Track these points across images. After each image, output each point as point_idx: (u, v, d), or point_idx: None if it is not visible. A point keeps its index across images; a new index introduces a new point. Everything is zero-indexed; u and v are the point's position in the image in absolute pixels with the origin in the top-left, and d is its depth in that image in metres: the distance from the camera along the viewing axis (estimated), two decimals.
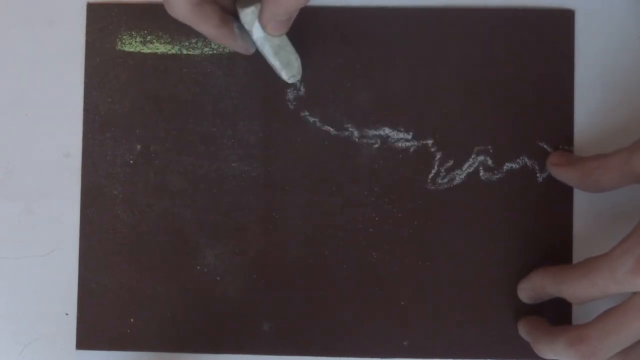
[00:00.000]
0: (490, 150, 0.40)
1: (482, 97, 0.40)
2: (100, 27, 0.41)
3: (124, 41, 0.41)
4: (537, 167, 0.40)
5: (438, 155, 0.40)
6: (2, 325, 0.41)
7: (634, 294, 0.33)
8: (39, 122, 0.41)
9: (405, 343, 0.40)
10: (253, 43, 0.38)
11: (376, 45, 0.41)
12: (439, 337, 0.40)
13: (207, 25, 0.36)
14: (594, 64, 0.40)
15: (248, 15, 0.36)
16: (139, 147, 0.41)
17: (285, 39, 0.38)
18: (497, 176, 0.40)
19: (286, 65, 0.39)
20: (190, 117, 0.41)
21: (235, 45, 0.38)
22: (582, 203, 0.40)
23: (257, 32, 0.37)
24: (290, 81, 0.39)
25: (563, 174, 0.39)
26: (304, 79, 0.40)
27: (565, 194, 0.40)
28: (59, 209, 0.41)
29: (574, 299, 0.35)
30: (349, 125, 0.41)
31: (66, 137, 0.41)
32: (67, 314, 0.41)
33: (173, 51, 0.41)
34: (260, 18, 0.35)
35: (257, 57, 0.40)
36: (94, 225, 0.41)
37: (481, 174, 0.40)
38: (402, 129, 0.40)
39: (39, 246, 0.41)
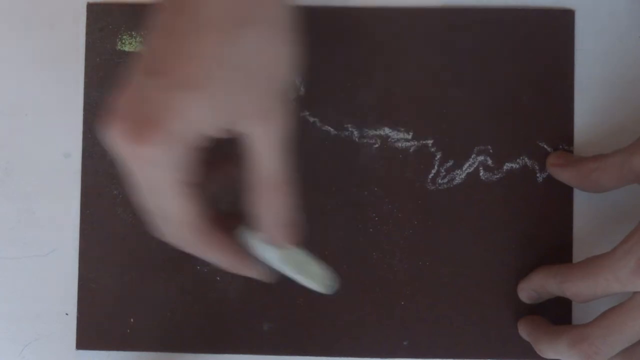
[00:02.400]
0: (490, 150, 0.40)
1: (482, 97, 0.40)
2: (100, 27, 0.41)
3: (124, 41, 0.41)
4: (537, 167, 0.40)
5: (438, 155, 0.40)
6: (2, 325, 0.41)
7: (636, 293, 0.33)
8: (39, 122, 0.41)
9: (405, 343, 0.40)
10: (270, 269, 0.35)
11: (376, 45, 0.41)
12: (439, 337, 0.40)
13: (220, 253, 0.33)
14: (594, 64, 0.40)
15: (256, 241, 0.33)
16: None
17: (302, 252, 0.35)
18: (497, 176, 0.40)
19: (313, 277, 0.35)
20: None
21: (256, 271, 0.34)
22: (582, 203, 0.40)
23: (269, 254, 0.34)
24: (327, 292, 0.36)
25: (562, 175, 0.39)
26: (304, 79, 0.40)
27: (565, 194, 0.40)
28: (59, 209, 0.41)
29: (576, 298, 0.35)
30: (349, 125, 0.41)
31: (66, 137, 0.41)
32: (67, 314, 0.41)
33: None
34: (265, 227, 0.33)
35: None
36: (94, 225, 0.41)
37: (481, 174, 0.40)
38: (402, 129, 0.40)
39: (39, 246, 0.41)
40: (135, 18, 0.41)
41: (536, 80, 0.40)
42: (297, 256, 0.35)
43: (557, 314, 0.39)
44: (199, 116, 0.29)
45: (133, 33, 0.41)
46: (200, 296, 0.40)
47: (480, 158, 0.40)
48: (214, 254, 0.33)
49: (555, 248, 0.40)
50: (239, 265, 0.34)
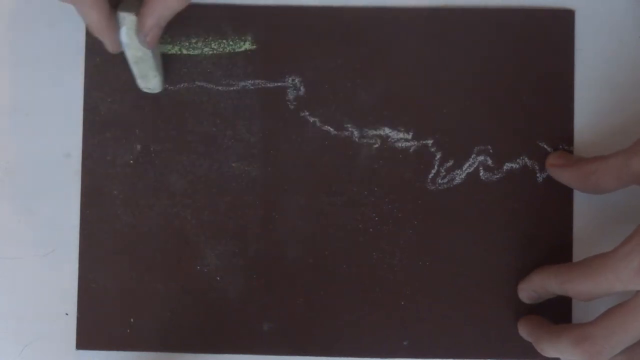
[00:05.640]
0: (490, 150, 0.40)
1: (482, 97, 0.40)
2: None
3: None
4: (537, 167, 0.40)
5: (438, 155, 0.40)
6: (2, 325, 0.41)
7: (638, 292, 0.33)
8: (39, 122, 0.41)
9: (405, 343, 0.40)
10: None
11: (376, 45, 0.41)
12: (439, 337, 0.40)
13: (100, 12, 0.35)
14: (594, 64, 0.40)
15: (126, 19, 0.36)
16: (139, 147, 0.41)
17: (148, 53, 0.37)
18: (497, 176, 0.40)
19: (142, 77, 0.39)
20: (190, 117, 0.41)
21: (114, 40, 0.37)
22: (582, 203, 0.40)
23: (123, 38, 0.36)
24: (145, 91, 0.40)
25: (562, 175, 0.39)
26: (303, 79, 0.40)
27: (565, 194, 0.40)
28: (59, 209, 0.41)
29: (577, 297, 0.35)
30: (349, 125, 0.41)
31: (66, 137, 0.41)
32: (67, 314, 0.41)
33: (173, 51, 0.41)
34: (142, 24, 0.35)
35: (258, 56, 0.40)
36: (94, 225, 0.41)
37: (481, 174, 0.40)
38: (402, 129, 0.41)
39: (39, 246, 0.41)
40: None
41: (536, 80, 0.40)
42: (142, 53, 0.37)
43: (557, 313, 0.40)
44: None
45: None
46: (200, 296, 0.40)
47: (480, 158, 0.40)
48: (93, 10, 0.35)
49: (555, 248, 0.40)
50: (104, 30, 0.36)
